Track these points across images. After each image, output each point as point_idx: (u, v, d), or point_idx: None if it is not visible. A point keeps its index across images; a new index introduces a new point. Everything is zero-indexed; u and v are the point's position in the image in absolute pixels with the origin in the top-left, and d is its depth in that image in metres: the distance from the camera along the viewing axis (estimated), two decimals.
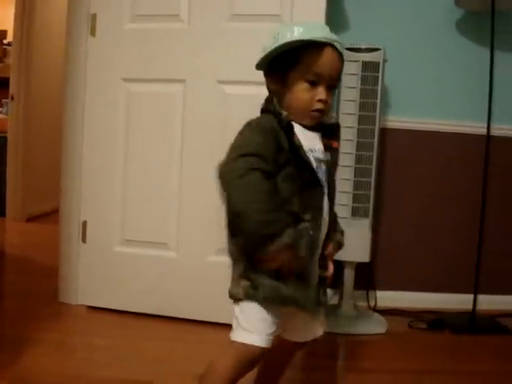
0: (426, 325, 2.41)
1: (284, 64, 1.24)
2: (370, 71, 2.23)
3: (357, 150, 2.26)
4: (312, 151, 1.24)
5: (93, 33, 2.30)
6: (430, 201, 2.69)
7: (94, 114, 2.32)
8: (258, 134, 1.18)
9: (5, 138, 4.38)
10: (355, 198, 2.27)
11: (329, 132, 1.31)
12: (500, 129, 2.59)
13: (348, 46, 2.25)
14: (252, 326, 1.20)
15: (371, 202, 2.28)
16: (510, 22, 2.62)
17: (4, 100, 4.74)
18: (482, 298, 2.55)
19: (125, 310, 2.30)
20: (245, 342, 1.20)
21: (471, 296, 2.49)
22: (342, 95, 2.28)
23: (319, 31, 1.21)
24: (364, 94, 2.24)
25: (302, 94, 1.22)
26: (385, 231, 2.67)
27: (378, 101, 2.25)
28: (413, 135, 2.64)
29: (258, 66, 1.30)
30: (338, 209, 2.27)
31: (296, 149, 1.19)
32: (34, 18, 4.28)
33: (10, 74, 4.31)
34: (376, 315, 2.48)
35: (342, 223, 2.25)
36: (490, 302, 2.65)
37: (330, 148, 1.30)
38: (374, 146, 2.26)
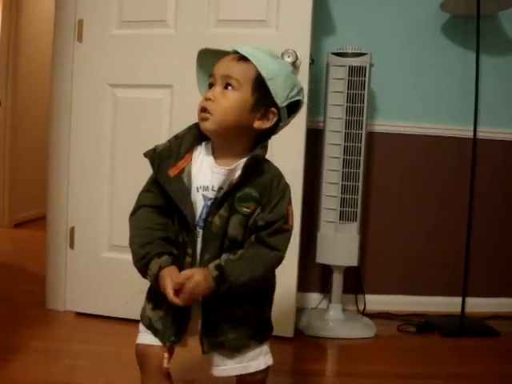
0: (414, 328, 2.41)
1: None
2: (357, 76, 2.23)
3: (344, 154, 2.26)
4: (204, 189, 1.16)
5: (79, 38, 2.29)
6: (417, 204, 2.70)
7: (81, 119, 2.32)
8: (152, 169, 1.19)
9: None
10: (343, 202, 2.28)
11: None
12: (486, 132, 2.60)
13: (334, 51, 2.27)
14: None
15: (359, 206, 2.29)
16: (496, 26, 2.65)
17: None
18: (470, 300, 2.56)
19: (113, 316, 2.29)
20: (139, 341, 1.26)
21: (460, 299, 2.50)
22: (328, 100, 2.28)
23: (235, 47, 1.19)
24: (351, 98, 2.24)
25: None
26: (373, 235, 2.67)
27: (365, 105, 2.25)
28: (400, 139, 2.66)
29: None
30: (325, 212, 2.30)
31: (161, 184, 1.17)
32: (21, 24, 4.27)
33: None
34: (365, 319, 2.48)
35: (331, 227, 2.28)
36: (478, 305, 2.66)
37: (230, 184, 1.14)
38: (361, 151, 2.27)
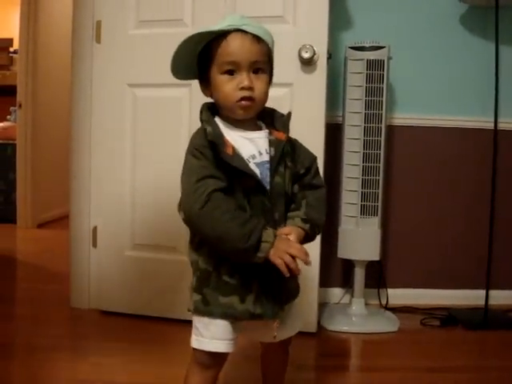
0: (438, 322, 2.40)
1: (203, 66, 1.23)
2: (375, 69, 2.22)
3: (364, 148, 2.25)
4: (253, 158, 1.21)
5: (98, 39, 2.31)
6: (439, 197, 2.68)
7: (101, 119, 2.34)
8: (196, 158, 1.18)
9: (13, 146, 4.42)
10: (364, 197, 2.27)
11: (277, 123, 1.27)
12: (507, 122, 2.58)
13: (352, 45, 2.26)
14: (212, 333, 1.22)
15: (380, 200, 2.28)
16: None
17: (12, 108, 4.77)
18: (493, 293, 2.54)
19: (137, 313, 2.32)
20: (208, 349, 1.22)
21: (483, 292, 2.48)
22: (347, 94, 2.28)
23: (225, 21, 1.18)
24: (370, 92, 2.23)
25: (223, 86, 1.19)
26: (394, 229, 2.66)
27: (384, 98, 2.24)
28: (420, 132, 2.64)
29: (178, 74, 1.28)
30: (346, 207, 2.29)
31: (229, 163, 1.15)
32: (39, 26, 4.31)
33: (17, 81, 4.34)
34: (388, 313, 2.48)
35: (352, 222, 2.28)
36: (502, 297, 2.64)
37: (276, 141, 1.23)
38: (381, 144, 2.26)
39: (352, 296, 2.44)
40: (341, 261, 2.55)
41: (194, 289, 1.24)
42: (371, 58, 2.22)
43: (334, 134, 2.37)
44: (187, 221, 1.18)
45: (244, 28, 1.17)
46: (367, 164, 2.26)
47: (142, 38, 2.26)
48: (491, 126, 2.45)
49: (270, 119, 1.27)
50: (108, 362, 1.88)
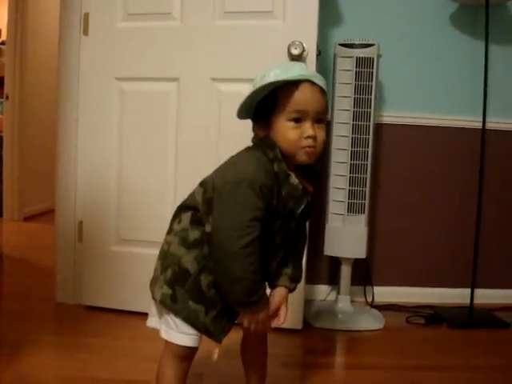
0: (423, 320, 2.41)
1: (266, 109, 1.24)
2: (365, 67, 2.22)
3: (352, 146, 2.25)
4: (296, 199, 1.28)
5: (85, 32, 2.29)
6: (426, 195, 2.69)
7: (88, 113, 2.32)
8: (256, 195, 1.17)
9: (0, 138, 4.38)
10: (351, 195, 2.27)
11: (306, 172, 1.32)
12: (495, 122, 2.59)
13: (342, 42, 2.26)
14: (180, 328, 1.24)
15: (367, 198, 2.28)
16: (505, 15, 2.62)
17: None
18: (479, 292, 2.56)
19: (123, 309, 2.30)
20: (177, 343, 1.26)
21: (468, 290, 2.50)
22: (336, 91, 2.27)
23: (294, 70, 1.22)
24: (358, 89, 2.23)
25: (288, 133, 1.22)
26: (381, 227, 2.67)
27: (373, 96, 2.24)
28: (408, 130, 2.64)
29: (242, 115, 1.30)
30: (333, 205, 2.29)
31: (286, 201, 1.24)
32: (27, 18, 4.28)
33: (4, 73, 4.30)
34: (373, 311, 2.48)
35: (339, 219, 2.28)
36: (487, 296, 2.66)
37: (305, 193, 1.30)
38: (369, 142, 2.26)
39: (338, 293, 2.44)
40: (327, 258, 2.55)
41: (167, 281, 1.25)
42: (361, 55, 2.22)
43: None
44: (219, 247, 1.18)
45: (313, 79, 1.21)
46: (355, 162, 2.26)
47: (130, 31, 2.24)
48: (479, 125, 2.47)
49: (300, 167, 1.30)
50: (94, 357, 1.87)
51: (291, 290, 1.39)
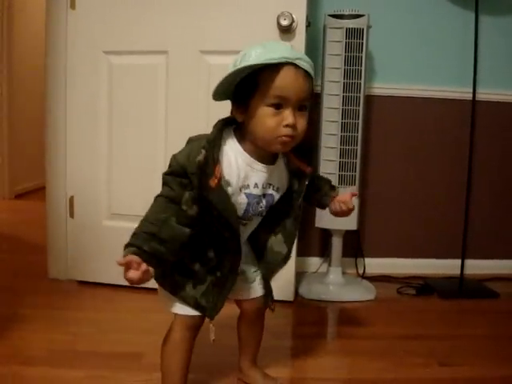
0: (414, 291, 2.43)
1: (245, 92, 1.16)
2: (354, 38, 2.20)
3: (342, 117, 2.24)
4: (244, 188, 1.22)
5: (72, 5, 2.25)
6: (416, 167, 2.70)
7: (77, 87, 2.29)
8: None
9: None
10: (342, 167, 2.27)
11: (301, 154, 1.28)
12: (486, 93, 2.58)
13: (331, 13, 2.24)
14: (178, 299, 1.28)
15: (358, 170, 2.28)
16: None
17: None
18: (469, 262, 2.58)
19: (114, 283, 2.31)
20: (179, 312, 1.28)
21: (459, 261, 2.52)
22: (326, 63, 2.26)
23: (277, 51, 1.12)
24: (348, 61, 2.21)
25: (266, 119, 1.14)
26: (372, 198, 2.67)
27: (363, 68, 2.23)
28: (399, 102, 2.63)
29: (218, 97, 1.21)
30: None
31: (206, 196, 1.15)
32: None
33: None
34: (364, 282, 2.50)
35: None
36: (477, 267, 2.68)
37: (300, 173, 1.29)
38: (359, 114, 2.25)
39: (329, 265, 2.45)
40: (318, 230, 2.56)
41: None
42: (350, 26, 2.20)
43: (312, 103, 2.35)
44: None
45: (297, 63, 1.12)
46: (345, 134, 2.25)
47: (118, 3, 2.21)
48: (470, 96, 2.46)
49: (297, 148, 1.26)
50: (86, 331, 1.88)
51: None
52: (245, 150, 1.21)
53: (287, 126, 1.14)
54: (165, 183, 1.19)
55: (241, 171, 1.20)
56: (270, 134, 1.15)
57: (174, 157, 1.19)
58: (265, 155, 1.23)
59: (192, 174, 1.14)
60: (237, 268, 1.28)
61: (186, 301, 1.26)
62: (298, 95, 1.13)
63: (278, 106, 1.14)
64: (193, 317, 1.27)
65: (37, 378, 1.53)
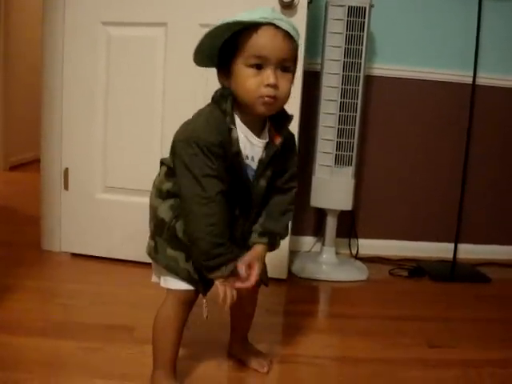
0: (406, 272, 2.44)
1: (227, 55, 1.17)
2: (356, 16, 2.18)
3: (341, 97, 2.23)
4: (247, 158, 1.23)
5: None
6: (413, 150, 2.69)
7: (74, 59, 2.27)
8: (207, 157, 1.15)
9: None
10: (339, 146, 2.26)
11: (280, 124, 1.27)
12: (486, 78, 2.56)
13: None
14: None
15: (355, 150, 2.27)
16: None
17: None
18: (462, 246, 2.59)
19: (108, 256, 2.31)
20: (174, 287, 1.27)
21: (452, 245, 2.53)
22: (327, 41, 2.23)
23: (257, 13, 1.11)
24: (349, 40, 2.19)
25: (246, 80, 1.14)
26: (368, 179, 2.67)
27: (364, 47, 2.21)
28: (398, 83, 2.62)
29: (200, 60, 1.22)
30: (321, 156, 2.28)
31: (234, 156, 1.19)
32: None
33: None
34: (357, 263, 2.51)
35: (326, 171, 2.27)
36: (470, 251, 2.70)
37: (270, 146, 1.26)
38: (358, 94, 2.24)
39: (323, 245, 2.46)
40: (313, 210, 2.56)
41: (151, 234, 1.30)
42: (352, 4, 2.17)
43: (311, 81, 2.34)
44: (186, 213, 1.20)
45: (276, 23, 1.12)
46: (344, 113, 2.24)
47: None
48: (470, 80, 2.45)
49: (277, 118, 1.26)
50: (78, 303, 1.88)
51: (271, 246, 1.32)
52: (243, 119, 1.21)
53: (268, 85, 1.13)
54: (197, 166, 1.15)
55: (246, 144, 1.22)
56: (252, 95, 1.14)
57: (197, 136, 1.15)
58: (257, 122, 1.23)
59: (215, 146, 1.15)
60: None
61: (178, 274, 1.25)
62: (277, 54, 1.12)
63: (259, 67, 1.13)
64: (186, 291, 1.27)
65: (29, 348, 1.53)
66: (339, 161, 2.27)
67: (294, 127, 2.05)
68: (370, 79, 2.53)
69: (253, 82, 1.14)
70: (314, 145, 2.33)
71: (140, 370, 1.41)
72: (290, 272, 2.29)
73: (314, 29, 2.38)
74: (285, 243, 2.13)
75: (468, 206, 2.61)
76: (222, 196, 1.17)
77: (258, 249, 1.30)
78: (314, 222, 2.68)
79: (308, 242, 2.68)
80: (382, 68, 2.59)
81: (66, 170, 2.34)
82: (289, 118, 1.28)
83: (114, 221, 2.29)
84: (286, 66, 1.15)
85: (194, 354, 1.54)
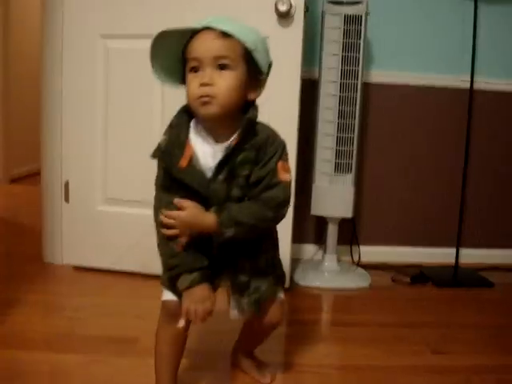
0: (408, 279, 2.44)
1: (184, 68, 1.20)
2: (353, 24, 2.19)
3: (339, 104, 2.24)
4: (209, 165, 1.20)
5: None
6: (412, 155, 2.69)
7: (73, 71, 2.27)
8: (159, 166, 1.24)
9: None
10: (338, 154, 2.26)
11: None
12: (484, 82, 2.57)
13: (330, 0, 2.22)
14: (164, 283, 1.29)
15: (354, 158, 2.28)
16: None
17: None
18: (464, 251, 2.59)
19: (109, 268, 2.31)
20: (165, 298, 1.28)
21: (454, 250, 2.53)
22: (324, 49, 2.24)
23: (198, 23, 1.14)
24: (346, 47, 2.20)
25: (189, 85, 1.16)
26: (368, 186, 2.67)
27: (361, 55, 2.21)
28: (396, 89, 2.62)
29: (164, 74, 1.25)
30: (320, 164, 2.29)
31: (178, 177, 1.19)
32: None
33: None
34: (359, 270, 2.51)
35: (326, 179, 2.28)
36: (472, 256, 2.69)
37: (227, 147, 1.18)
38: (356, 101, 2.24)
39: (324, 252, 2.46)
40: (314, 218, 2.56)
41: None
42: (349, 12, 2.18)
43: (309, 89, 2.35)
44: None
45: (210, 25, 1.12)
46: (342, 121, 2.24)
47: None
48: (467, 85, 2.46)
49: (250, 130, 1.19)
50: (81, 316, 1.88)
51: (219, 222, 1.17)
52: (207, 132, 1.21)
53: (201, 85, 1.13)
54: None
55: (209, 153, 1.20)
56: (193, 98, 1.15)
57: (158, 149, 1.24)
58: (220, 130, 1.20)
59: (162, 159, 1.21)
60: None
61: (163, 284, 1.27)
62: (209, 53, 1.12)
63: (196, 69, 1.14)
64: (171, 301, 1.26)
65: (34, 361, 1.53)
66: (339, 168, 2.28)
67: (292, 135, 2.08)
68: (367, 86, 2.53)
69: (192, 86, 1.15)
70: (313, 153, 2.33)
71: (144, 382, 1.41)
72: (291, 280, 2.29)
73: (311, 37, 2.39)
74: (286, 251, 2.14)
75: (469, 211, 2.61)
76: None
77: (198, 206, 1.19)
78: (315, 229, 2.68)
79: (309, 249, 2.68)
80: (380, 75, 2.59)
81: (67, 183, 2.34)
82: (246, 118, 1.19)
83: (115, 232, 2.29)
84: (223, 63, 1.13)
85: (196, 364, 1.54)
